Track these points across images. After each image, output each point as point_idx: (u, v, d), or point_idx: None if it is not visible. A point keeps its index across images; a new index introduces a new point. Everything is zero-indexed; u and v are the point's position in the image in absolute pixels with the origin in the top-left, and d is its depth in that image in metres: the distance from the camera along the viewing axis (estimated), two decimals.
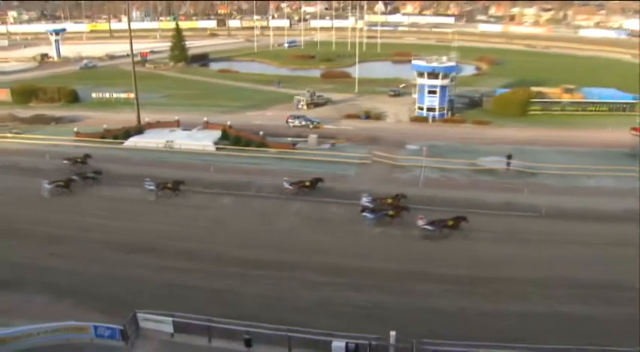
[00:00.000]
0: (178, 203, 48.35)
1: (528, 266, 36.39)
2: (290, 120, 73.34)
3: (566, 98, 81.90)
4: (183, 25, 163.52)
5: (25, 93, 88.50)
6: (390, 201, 45.10)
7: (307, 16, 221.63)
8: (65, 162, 56.13)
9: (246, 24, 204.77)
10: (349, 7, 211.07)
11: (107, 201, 48.70)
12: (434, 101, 75.61)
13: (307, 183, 49.49)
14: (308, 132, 68.87)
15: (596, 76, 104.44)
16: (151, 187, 49.02)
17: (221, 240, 41.21)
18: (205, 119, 70.29)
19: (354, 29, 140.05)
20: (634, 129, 60.79)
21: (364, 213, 43.32)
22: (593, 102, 79.88)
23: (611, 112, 78.01)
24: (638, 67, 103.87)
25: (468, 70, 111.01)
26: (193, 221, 44.77)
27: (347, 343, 27.21)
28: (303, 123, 72.76)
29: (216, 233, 42.53)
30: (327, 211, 46.37)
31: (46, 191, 49.32)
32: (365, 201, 44.98)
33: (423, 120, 75.81)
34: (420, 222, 40.58)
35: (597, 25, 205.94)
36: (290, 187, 49.20)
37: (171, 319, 29.32)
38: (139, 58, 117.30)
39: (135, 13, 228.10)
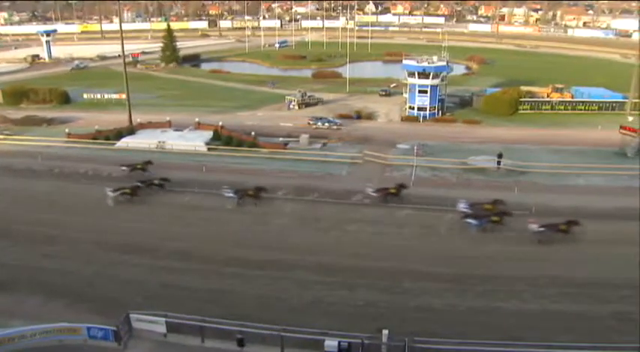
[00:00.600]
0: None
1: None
2: (311, 122, 73.12)
3: (556, 97, 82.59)
4: (175, 25, 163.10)
5: (16, 95, 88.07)
6: (488, 206, 43.86)
7: (298, 17, 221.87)
8: (123, 168, 53.93)
9: (237, 24, 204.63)
10: (340, 8, 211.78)
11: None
12: (424, 101, 75.91)
13: (393, 190, 47.57)
14: (331, 133, 69.25)
15: (585, 75, 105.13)
16: (230, 194, 47.08)
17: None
18: (197, 119, 70.30)
19: (344, 29, 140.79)
20: (623, 127, 61.17)
21: (467, 220, 42.31)
22: (583, 102, 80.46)
23: (601, 111, 78.54)
24: (627, 67, 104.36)
25: (459, 69, 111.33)
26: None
27: (339, 342, 27.38)
28: (326, 124, 72.65)
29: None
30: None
31: (110, 199, 47.38)
32: (463, 207, 43.92)
33: (413, 119, 76.12)
34: (534, 226, 40.17)
35: (585, 25, 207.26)
36: (374, 194, 47.39)
37: (164, 319, 29.37)
38: (130, 59, 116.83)
39: (126, 14, 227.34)
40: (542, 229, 39.72)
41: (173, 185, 50.71)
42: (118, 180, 51.51)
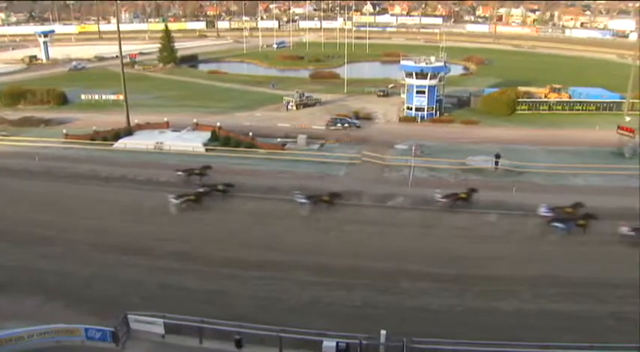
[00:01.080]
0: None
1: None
2: (329, 124, 73.11)
3: (554, 97, 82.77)
4: (172, 26, 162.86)
5: (14, 96, 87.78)
6: (570, 210, 43.06)
7: (296, 17, 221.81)
8: (179, 173, 52.45)
9: (235, 25, 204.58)
10: (338, 8, 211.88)
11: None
12: (422, 101, 75.93)
13: (463, 195, 45.79)
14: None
15: (582, 75, 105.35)
16: (303, 200, 45.55)
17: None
18: (195, 120, 70.27)
19: (342, 30, 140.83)
20: (621, 127, 61.27)
21: (554, 224, 41.36)
22: (581, 102, 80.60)
23: (598, 111, 78.69)
24: (624, 67, 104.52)
25: (456, 70, 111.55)
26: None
27: (337, 342, 27.36)
28: (346, 125, 72.62)
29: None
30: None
31: (173, 206, 45.57)
32: (544, 211, 42.97)
33: (411, 120, 76.15)
34: (624, 229, 39.88)
35: (583, 25, 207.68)
36: (444, 200, 45.61)
37: (162, 320, 29.31)
38: (128, 60, 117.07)
39: (124, 15, 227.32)
40: (632, 233, 39.51)
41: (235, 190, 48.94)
42: (173, 185, 50.82)
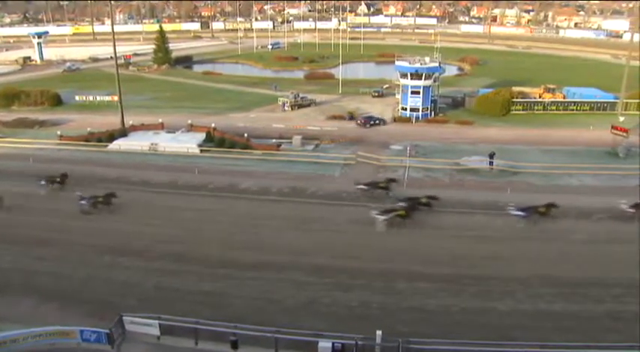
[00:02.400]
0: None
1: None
2: (359, 122, 74.40)
3: (548, 97, 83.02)
4: (167, 27, 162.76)
5: (8, 97, 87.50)
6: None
7: (290, 18, 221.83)
8: (361, 187, 48.45)
9: (229, 26, 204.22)
10: (332, 9, 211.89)
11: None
12: (417, 101, 75.98)
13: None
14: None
15: (576, 75, 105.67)
16: (518, 212, 42.12)
17: None
18: (189, 121, 70.21)
19: (337, 31, 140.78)
20: (615, 127, 61.48)
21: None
22: (575, 102, 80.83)
23: (593, 111, 78.90)
24: (618, 67, 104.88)
25: (451, 70, 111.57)
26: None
27: (333, 343, 27.37)
28: (372, 122, 74.41)
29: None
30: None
31: (380, 223, 42.24)
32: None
33: (406, 120, 76.22)
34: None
35: (576, 25, 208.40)
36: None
37: (157, 322, 29.29)
38: (122, 61, 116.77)
39: (118, 16, 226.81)
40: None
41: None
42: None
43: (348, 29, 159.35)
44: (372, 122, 74.33)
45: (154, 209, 47.10)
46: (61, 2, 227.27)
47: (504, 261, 37.42)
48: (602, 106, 79.43)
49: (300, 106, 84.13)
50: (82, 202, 45.54)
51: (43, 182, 50.34)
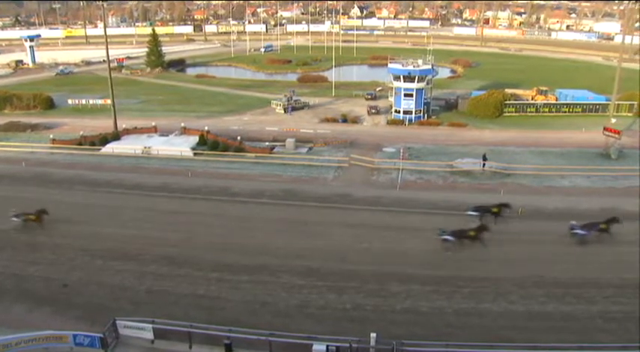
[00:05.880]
0: None
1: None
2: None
3: (541, 99, 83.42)
4: (160, 30, 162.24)
5: (0, 101, 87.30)
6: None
7: (283, 21, 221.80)
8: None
9: (222, 29, 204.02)
10: (325, 12, 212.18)
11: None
12: (410, 104, 76.06)
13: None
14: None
15: (569, 77, 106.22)
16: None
17: None
18: (183, 124, 70.15)
19: (330, 33, 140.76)
20: (607, 129, 61.81)
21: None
22: (567, 104, 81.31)
23: (585, 113, 79.41)
24: (610, 69, 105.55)
25: (444, 72, 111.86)
26: None
27: (327, 346, 27.35)
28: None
29: None
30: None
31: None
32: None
33: (399, 122, 76.36)
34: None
35: (568, 28, 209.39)
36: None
37: (151, 325, 29.20)
38: (115, 64, 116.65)
39: (111, 19, 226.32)
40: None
41: None
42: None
43: (341, 32, 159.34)
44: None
45: (147, 212, 47.01)
46: (54, 5, 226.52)
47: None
48: (594, 108, 79.91)
49: (294, 109, 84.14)
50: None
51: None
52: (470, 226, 40.09)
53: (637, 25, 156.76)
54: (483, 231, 39.61)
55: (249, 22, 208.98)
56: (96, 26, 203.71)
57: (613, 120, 68.95)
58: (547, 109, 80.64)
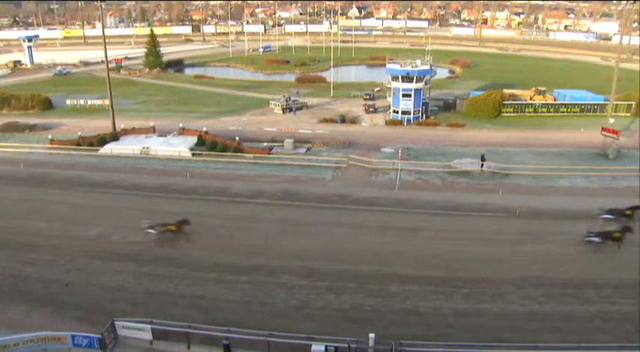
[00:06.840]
0: None
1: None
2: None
3: (539, 100, 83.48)
4: (158, 31, 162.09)
5: None
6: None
7: (282, 22, 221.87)
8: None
9: (220, 29, 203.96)
10: (323, 12, 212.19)
11: None
12: (408, 104, 76.09)
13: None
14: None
15: (567, 77, 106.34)
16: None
17: None
18: (181, 125, 70.10)
19: (328, 34, 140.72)
20: (605, 129, 61.87)
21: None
22: (565, 104, 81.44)
23: (583, 113, 79.53)
24: (607, 69, 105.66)
25: (442, 73, 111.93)
26: None
27: (326, 346, 27.34)
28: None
29: None
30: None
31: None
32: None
33: (397, 123, 76.37)
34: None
35: (566, 28, 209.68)
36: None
37: (149, 326, 29.18)
38: (113, 65, 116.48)
39: (109, 19, 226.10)
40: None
41: None
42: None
43: (340, 32, 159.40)
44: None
45: (146, 213, 46.87)
46: (52, 5, 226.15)
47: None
48: (592, 108, 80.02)
49: (291, 109, 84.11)
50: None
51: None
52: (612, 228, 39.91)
53: (635, 25, 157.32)
54: (627, 232, 39.26)
55: (248, 23, 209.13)
56: (94, 27, 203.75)
57: (611, 121, 68.95)
58: (545, 109, 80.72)
